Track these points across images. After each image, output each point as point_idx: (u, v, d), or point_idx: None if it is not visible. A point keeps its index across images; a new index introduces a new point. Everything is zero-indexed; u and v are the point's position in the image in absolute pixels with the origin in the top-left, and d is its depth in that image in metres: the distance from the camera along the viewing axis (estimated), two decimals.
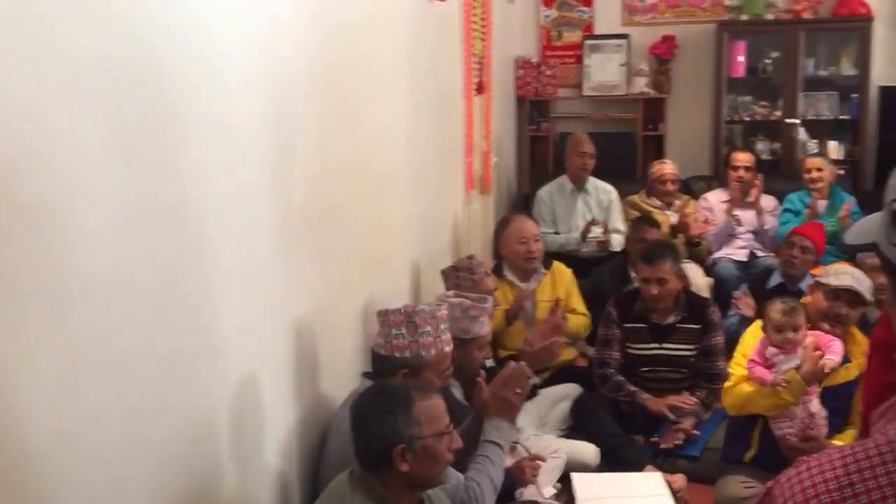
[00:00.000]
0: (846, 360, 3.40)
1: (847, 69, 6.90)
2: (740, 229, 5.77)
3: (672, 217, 5.78)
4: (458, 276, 3.79)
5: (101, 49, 1.73)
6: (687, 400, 3.90)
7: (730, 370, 3.50)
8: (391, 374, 2.61)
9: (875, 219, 1.05)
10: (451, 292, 3.38)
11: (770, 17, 6.90)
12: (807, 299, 3.60)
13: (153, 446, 1.92)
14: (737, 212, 5.75)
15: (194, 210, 2.06)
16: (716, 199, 5.98)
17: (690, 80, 7.02)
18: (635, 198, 5.98)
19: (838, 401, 3.38)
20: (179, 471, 2.03)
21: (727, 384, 3.45)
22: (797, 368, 3.24)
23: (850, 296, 3.41)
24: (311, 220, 2.76)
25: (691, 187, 6.44)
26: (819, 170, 5.75)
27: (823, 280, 3.49)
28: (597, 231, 5.56)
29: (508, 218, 4.59)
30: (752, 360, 3.36)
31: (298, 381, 2.72)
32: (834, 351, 3.26)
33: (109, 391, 1.76)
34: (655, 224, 5.03)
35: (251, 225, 2.35)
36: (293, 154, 2.62)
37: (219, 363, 2.19)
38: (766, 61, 6.92)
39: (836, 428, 3.38)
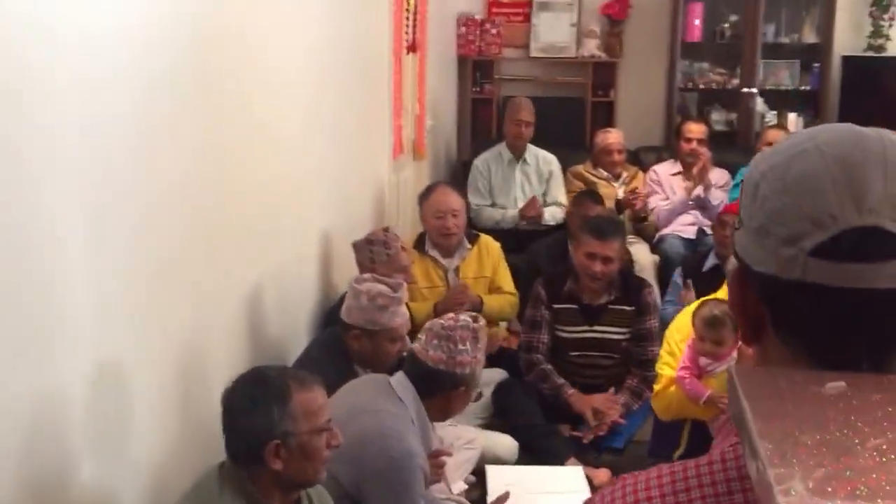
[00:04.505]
0: None
1: (809, 36, 6.65)
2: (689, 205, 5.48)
3: (619, 190, 5.48)
4: (372, 250, 3.52)
5: None
6: (613, 403, 3.67)
7: (658, 370, 3.29)
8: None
9: None
10: (367, 275, 3.14)
11: None
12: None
13: None
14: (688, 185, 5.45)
15: (37, 178, 1.77)
16: (665, 171, 5.71)
17: (644, 43, 6.67)
18: (580, 168, 5.65)
19: None
20: (18, 463, 1.75)
21: (656, 387, 3.28)
22: None
23: None
24: (188, 188, 2.45)
25: (641, 158, 6.13)
26: None
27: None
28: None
29: (430, 188, 4.28)
30: (684, 368, 3.14)
31: (176, 370, 2.44)
32: None
33: None
34: (600, 200, 4.75)
35: (108, 196, 2.05)
36: (161, 117, 2.28)
37: (68, 346, 1.91)
38: (724, 25, 6.62)
39: None
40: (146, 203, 2.21)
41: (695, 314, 3.13)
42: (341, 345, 3.03)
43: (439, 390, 2.60)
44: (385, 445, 2.44)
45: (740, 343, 2.99)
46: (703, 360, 3.13)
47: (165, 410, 2.38)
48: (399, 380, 2.64)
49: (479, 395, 2.86)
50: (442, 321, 2.63)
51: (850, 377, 0.76)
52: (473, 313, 2.75)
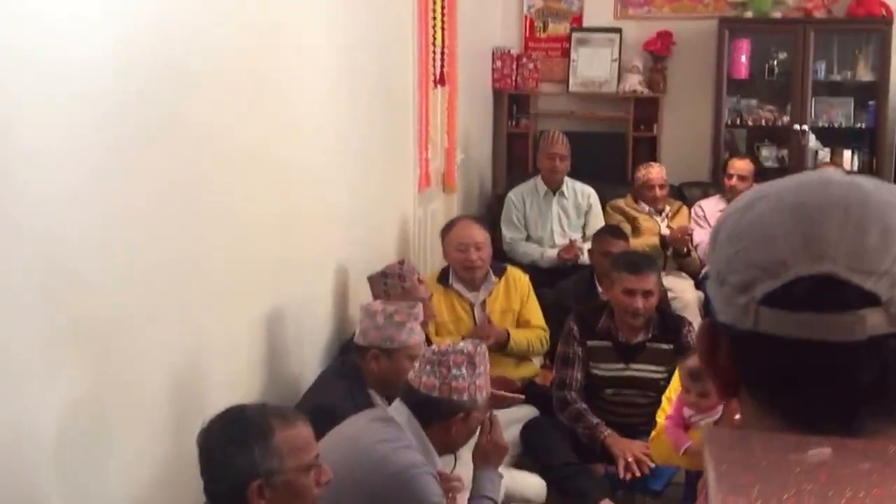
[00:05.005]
0: None
1: (864, 74, 6.37)
2: None
3: (662, 224, 5.23)
4: (387, 283, 3.43)
5: None
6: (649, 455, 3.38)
7: (657, 417, 3.13)
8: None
9: None
10: (377, 301, 3.10)
11: (777, 15, 6.38)
12: None
13: None
14: None
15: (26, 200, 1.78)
16: (712, 207, 5.48)
17: (689, 79, 6.46)
18: (621, 202, 5.41)
19: None
20: None
21: (653, 433, 3.15)
22: (716, 423, 2.84)
23: None
24: (198, 215, 2.43)
25: (684, 193, 5.90)
26: None
27: None
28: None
29: (452, 222, 4.17)
30: (669, 418, 3.00)
31: (165, 404, 2.33)
32: None
33: None
34: (622, 235, 4.50)
35: (106, 216, 2.02)
36: (167, 135, 2.26)
37: (36, 374, 1.84)
38: (773, 63, 6.38)
39: None
40: (149, 228, 2.15)
41: (680, 365, 3.00)
42: (356, 371, 2.94)
43: (436, 418, 2.50)
44: (382, 463, 2.35)
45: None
46: (686, 412, 2.99)
47: (149, 448, 2.27)
48: (395, 406, 2.57)
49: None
50: (435, 347, 2.58)
51: (836, 443, 0.70)
52: (475, 340, 2.65)
